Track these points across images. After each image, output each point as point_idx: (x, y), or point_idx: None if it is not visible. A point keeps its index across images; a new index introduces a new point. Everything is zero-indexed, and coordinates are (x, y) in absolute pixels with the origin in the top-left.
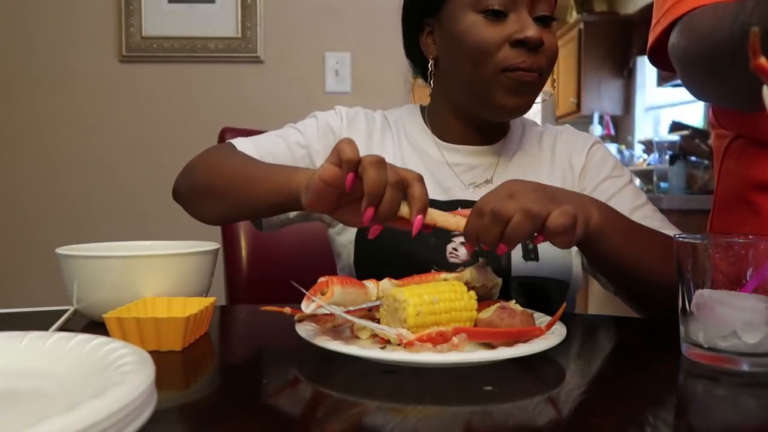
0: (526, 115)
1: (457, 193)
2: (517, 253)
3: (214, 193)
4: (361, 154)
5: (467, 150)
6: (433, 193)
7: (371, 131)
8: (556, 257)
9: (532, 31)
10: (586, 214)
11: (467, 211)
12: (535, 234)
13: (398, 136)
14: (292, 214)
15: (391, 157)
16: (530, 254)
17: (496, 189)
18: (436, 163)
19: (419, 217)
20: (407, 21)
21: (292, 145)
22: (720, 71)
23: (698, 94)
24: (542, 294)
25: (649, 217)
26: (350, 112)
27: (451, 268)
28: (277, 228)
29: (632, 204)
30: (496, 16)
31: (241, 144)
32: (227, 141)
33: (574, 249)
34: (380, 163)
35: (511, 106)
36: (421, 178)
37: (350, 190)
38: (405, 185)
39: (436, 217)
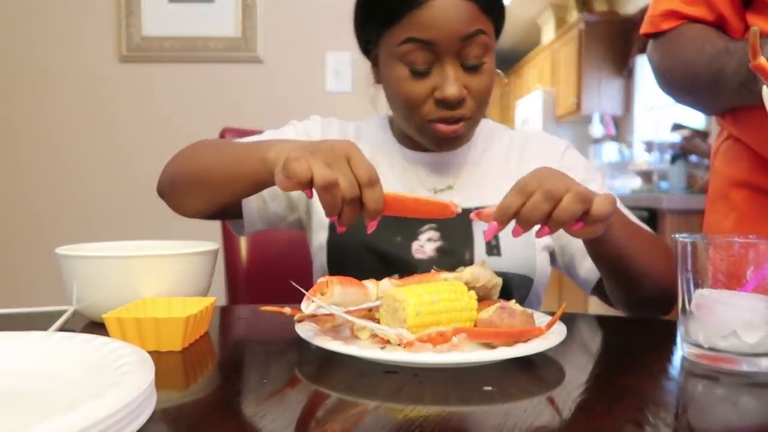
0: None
1: (421, 194)
2: (479, 248)
3: (196, 180)
4: None
5: (430, 157)
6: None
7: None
8: (518, 252)
9: (451, 90)
10: None
11: (428, 199)
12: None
13: (370, 147)
14: (272, 213)
15: None
16: (493, 249)
17: (535, 171)
18: (401, 169)
19: (372, 223)
20: (358, 40)
21: None
22: (694, 91)
23: (671, 96)
24: (505, 288)
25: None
26: (324, 121)
27: (417, 264)
28: (258, 228)
29: None
30: (421, 71)
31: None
32: (205, 138)
33: (539, 245)
34: (331, 185)
35: (442, 149)
36: (373, 182)
37: (312, 198)
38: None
39: (404, 208)
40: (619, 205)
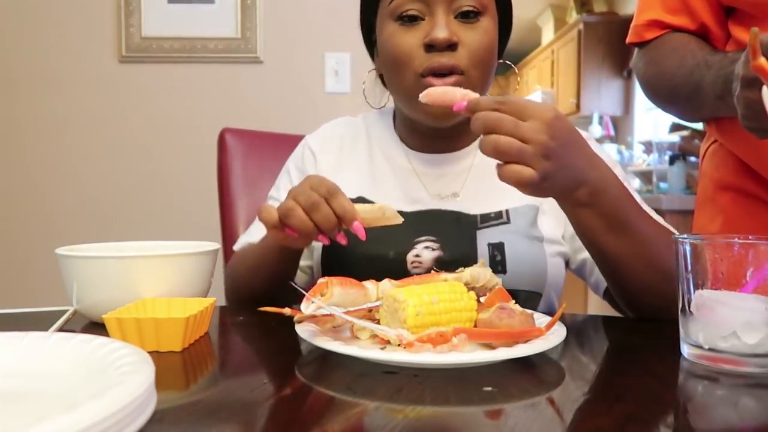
0: None
1: (425, 203)
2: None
3: (248, 292)
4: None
5: (435, 159)
6: (401, 205)
7: (341, 149)
8: (526, 270)
9: (439, 32)
10: (581, 182)
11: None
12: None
13: (370, 144)
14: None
15: (362, 167)
16: (498, 266)
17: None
18: (404, 172)
19: (355, 224)
20: (364, 39)
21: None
22: (676, 102)
23: (655, 105)
24: None
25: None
26: (322, 141)
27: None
28: None
29: None
30: (412, 21)
31: (239, 245)
32: (234, 250)
33: (552, 251)
34: (288, 210)
35: (435, 114)
36: (333, 192)
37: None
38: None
39: (365, 216)
40: (634, 193)
